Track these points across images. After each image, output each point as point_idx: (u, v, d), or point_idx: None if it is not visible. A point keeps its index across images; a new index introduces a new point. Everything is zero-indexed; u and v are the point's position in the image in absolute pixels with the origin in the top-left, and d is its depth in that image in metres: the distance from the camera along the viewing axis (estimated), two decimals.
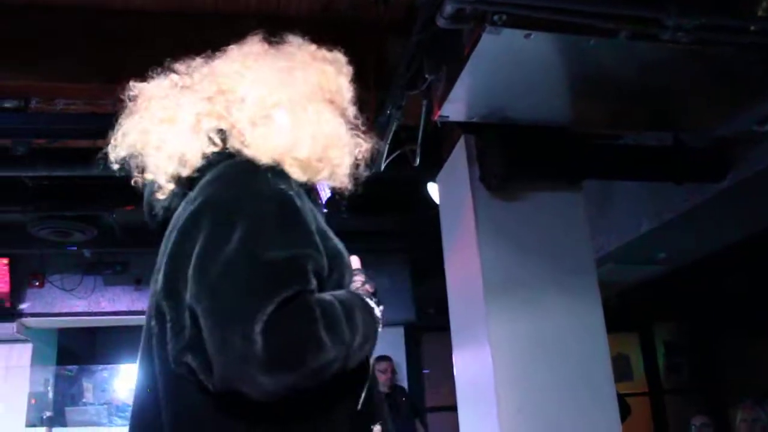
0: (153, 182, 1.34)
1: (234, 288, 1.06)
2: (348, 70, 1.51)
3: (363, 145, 1.46)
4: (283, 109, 1.27)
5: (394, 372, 6.32)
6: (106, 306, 6.61)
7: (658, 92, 2.81)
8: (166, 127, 1.31)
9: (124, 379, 7.85)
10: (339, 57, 1.50)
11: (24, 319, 6.51)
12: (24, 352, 6.78)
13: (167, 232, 1.28)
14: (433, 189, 4.02)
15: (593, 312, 3.22)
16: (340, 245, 1.35)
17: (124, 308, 6.62)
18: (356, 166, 1.44)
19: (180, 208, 1.26)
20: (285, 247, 1.10)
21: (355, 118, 1.46)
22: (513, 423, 2.95)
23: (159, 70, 1.43)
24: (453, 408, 6.60)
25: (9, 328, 6.44)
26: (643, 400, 7.27)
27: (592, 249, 3.38)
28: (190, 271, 1.12)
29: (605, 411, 3.08)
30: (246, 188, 1.19)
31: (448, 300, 3.59)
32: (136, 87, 1.43)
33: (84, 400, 7.18)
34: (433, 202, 4.04)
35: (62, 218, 5.32)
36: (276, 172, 1.22)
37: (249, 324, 1.01)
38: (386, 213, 5.28)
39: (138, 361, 1.28)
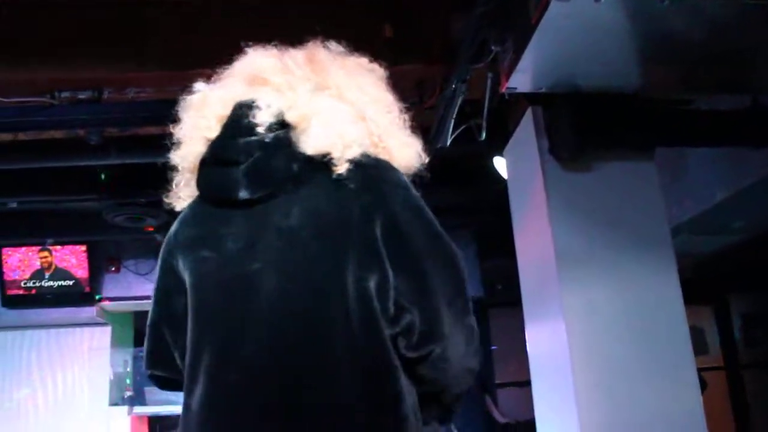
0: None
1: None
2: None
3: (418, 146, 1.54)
4: (396, 127, 1.46)
5: None
6: None
7: (733, 53, 2.70)
8: (338, 116, 1.38)
9: None
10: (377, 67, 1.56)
11: (103, 304, 6.76)
12: (104, 334, 7.06)
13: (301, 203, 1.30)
14: (499, 163, 3.97)
15: (670, 284, 3.13)
16: None
17: None
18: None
19: (330, 185, 1.30)
20: None
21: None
22: (590, 398, 2.91)
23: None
24: (522, 384, 6.62)
25: (89, 312, 6.71)
26: (719, 375, 7.08)
27: (666, 219, 3.28)
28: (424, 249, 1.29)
29: (685, 385, 3.00)
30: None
31: (519, 275, 3.55)
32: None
33: None
34: (500, 176, 4.00)
35: (135, 204, 5.48)
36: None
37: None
38: (452, 188, 5.24)
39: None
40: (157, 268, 1.50)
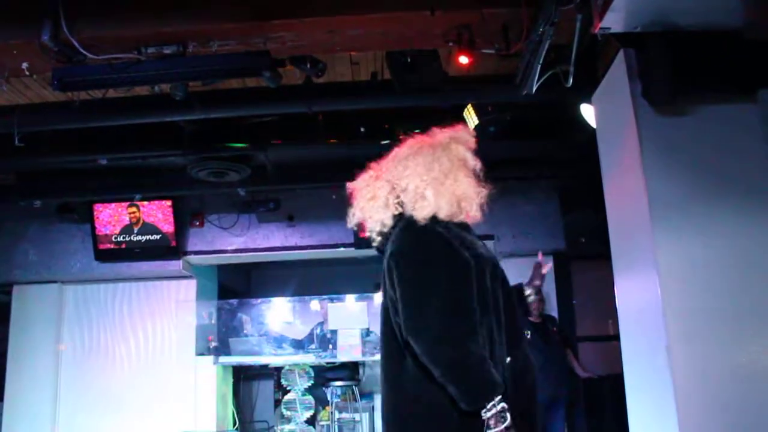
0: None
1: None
2: (470, 140, 2.17)
3: (484, 192, 2.09)
4: (429, 188, 2.04)
5: (542, 301, 6.23)
6: (261, 242, 6.93)
7: None
8: (371, 203, 2.13)
9: (278, 312, 8.28)
10: (463, 134, 2.18)
11: (188, 257, 6.97)
12: (189, 287, 7.28)
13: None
14: (587, 110, 3.83)
15: None
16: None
17: (278, 244, 6.91)
18: (482, 205, 2.09)
19: (387, 249, 2.08)
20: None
21: (478, 171, 2.11)
22: (683, 354, 2.82)
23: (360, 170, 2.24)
24: (603, 338, 6.49)
25: (176, 265, 6.93)
26: None
27: None
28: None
29: None
30: (415, 235, 2.03)
31: (609, 226, 3.45)
32: (348, 186, 2.25)
33: (244, 332, 7.64)
34: (587, 124, 3.86)
35: (218, 159, 5.58)
36: (431, 221, 2.02)
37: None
38: (536, 138, 5.11)
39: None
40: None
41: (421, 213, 2.02)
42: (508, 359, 1.94)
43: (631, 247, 3.17)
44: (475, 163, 2.11)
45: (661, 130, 3.01)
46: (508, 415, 1.79)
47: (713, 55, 2.97)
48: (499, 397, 1.79)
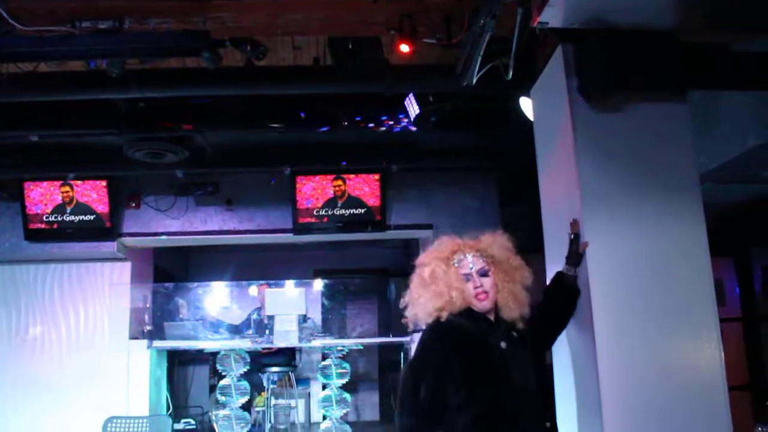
0: None
1: None
2: (451, 251, 2.66)
3: (470, 287, 2.59)
4: (423, 294, 2.62)
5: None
6: (198, 226, 6.84)
7: None
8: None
9: (215, 297, 8.20)
10: (445, 247, 2.69)
11: (123, 239, 6.82)
12: (124, 270, 7.14)
13: None
14: (526, 103, 3.89)
15: (696, 232, 3.07)
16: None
17: (216, 228, 6.83)
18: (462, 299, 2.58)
19: None
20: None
21: (458, 263, 2.63)
22: (610, 345, 2.88)
23: None
24: None
25: (110, 247, 6.78)
26: (736, 327, 7.05)
27: (696, 165, 3.20)
28: None
29: (708, 335, 2.97)
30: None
31: (542, 218, 3.51)
32: None
33: (180, 316, 7.53)
34: (526, 117, 3.92)
35: (155, 140, 5.46)
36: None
37: None
38: (476, 130, 5.17)
39: None
40: None
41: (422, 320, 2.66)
42: None
43: (563, 239, 3.22)
44: (459, 261, 2.63)
45: (595, 126, 3.07)
46: None
47: (648, 55, 3.03)
48: None
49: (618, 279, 2.96)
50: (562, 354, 3.32)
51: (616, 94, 3.06)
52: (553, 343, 3.09)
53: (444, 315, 2.55)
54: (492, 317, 2.61)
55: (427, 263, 2.65)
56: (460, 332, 2.54)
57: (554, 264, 3.40)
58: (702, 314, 2.99)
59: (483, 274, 2.59)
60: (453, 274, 2.58)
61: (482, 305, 2.56)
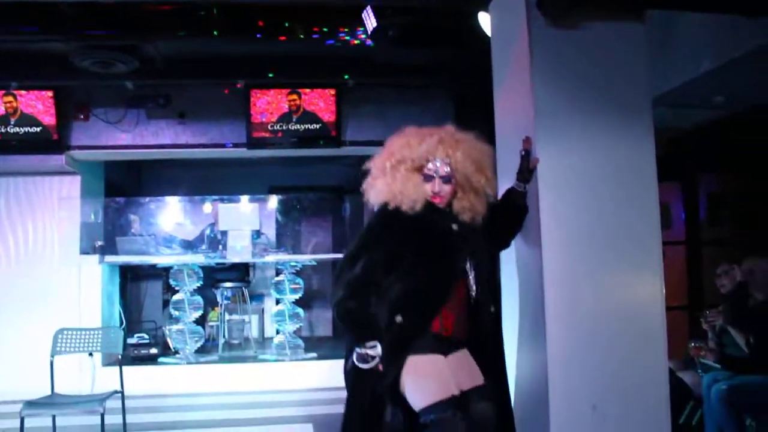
0: None
1: None
2: (426, 154, 2.72)
3: (427, 187, 2.72)
4: (380, 180, 2.75)
5: None
6: (150, 139, 6.67)
7: None
8: None
9: (168, 212, 8.11)
10: (421, 147, 2.72)
11: (72, 152, 6.64)
12: (73, 184, 6.97)
13: None
14: (484, 18, 3.83)
15: (645, 152, 3.13)
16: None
17: (168, 141, 6.67)
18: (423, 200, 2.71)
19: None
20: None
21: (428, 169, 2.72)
22: (556, 256, 2.97)
23: None
24: None
25: (58, 159, 6.59)
26: (680, 250, 7.28)
27: (650, 87, 3.22)
28: None
29: (650, 253, 3.07)
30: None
31: (496, 135, 3.51)
32: None
33: (132, 231, 7.45)
34: (484, 33, 3.86)
35: (104, 48, 5.25)
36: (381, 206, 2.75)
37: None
38: (434, 47, 5.08)
39: None
40: None
41: (374, 198, 2.78)
42: None
43: (515, 159, 3.24)
44: (428, 162, 2.72)
45: (551, 43, 3.05)
46: None
47: None
48: None
49: (566, 196, 3.02)
50: (509, 268, 3.39)
51: (574, 12, 3.03)
52: (498, 252, 3.28)
53: (392, 204, 2.69)
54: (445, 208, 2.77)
55: (396, 155, 2.75)
56: (408, 215, 2.68)
57: (506, 182, 3.44)
58: (646, 235, 3.08)
59: (446, 180, 2.71)
60: (414, 179, 2.71)
61: (436, 204, 2.73)
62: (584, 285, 3.00)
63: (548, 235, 2.98)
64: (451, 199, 2.75)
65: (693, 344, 4.31)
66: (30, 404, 3.87)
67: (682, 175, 7.54)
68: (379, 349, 2.51)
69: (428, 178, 2.71)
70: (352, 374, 2.61)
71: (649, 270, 3.06)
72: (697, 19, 3.97)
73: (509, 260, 3.38)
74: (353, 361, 2.55)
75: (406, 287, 2.63)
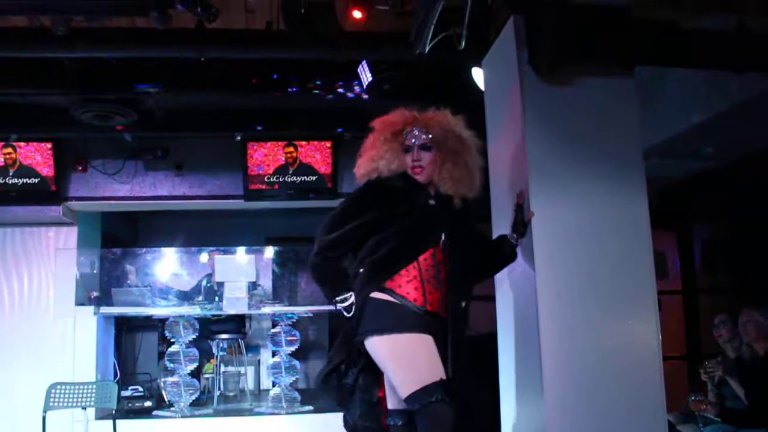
0: None
1: None
2: (403, 123, 2.86)
3: (407, 158, 2.81)
4: (364, 155, 2.89)
5: None
6: (147, 191, 6.72)
7: None
8: None
9: (165, 263, 8.10)
10: (398, 119, 2.89)
11: (69, 203, 6.67)
12: (70, 235, 6.98)
13: None
14: (478, 74, 3.91)
15: (639, 204, 3.16)
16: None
17: (165, 193, 6.72)
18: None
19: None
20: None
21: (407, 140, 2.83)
22: (552, 308, 2.96)
23: None
24: (487, 298, 6.72)
25: (56, 211, 6.61)
26: (677, 299, 7.27)
27: (641, 139, 3.27)
28: None
29: (645, 305, 3.07)
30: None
31: (491, 188, 3.55)
32: None
33: (128, 282, 7.43)
34: (478, 88, 3.94)
35: (103, 101, 5.33)
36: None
37: None
38: (429, 99, 5.15)
39: None
40: None
41: (357, 174, 2.90)
42: None
43: (509, 211, 3.27)
44: (406, 135, 2.83)
45: (543, 98, 3.11)
46: None
47: (597, 29, 3.08)
48: None
49: (561, 247, 3.03)
50: (505, 316, 3.39)
51: (565, 68, 3.10)
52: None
53: (374, 176, 2.81)
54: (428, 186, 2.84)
55: (378, 129, 2.89)
56: (390, 187, 2.79)
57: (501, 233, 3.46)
58: (641, 286, 3.08)
59: (424, 148, 2.78)
60: (393, 146, 2.81)
61: (417, 178, 2.80)
62: (580, 336, 2.99)
63: (544, 285, 2.98)
64: (434, 173, 2.80)
65: (693, 398, 4.28)
66: None
67: (678, 224, 7.58)
68: (353, 299, 2.67)
69: (408, 149, 2.79)
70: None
71: (644, 320, 3.05)
72: (686, 73, 4.06)
73: (505, 308, 3.39)
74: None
75: (380, 242, 2.70)
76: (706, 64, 3.57)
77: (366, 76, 4.55)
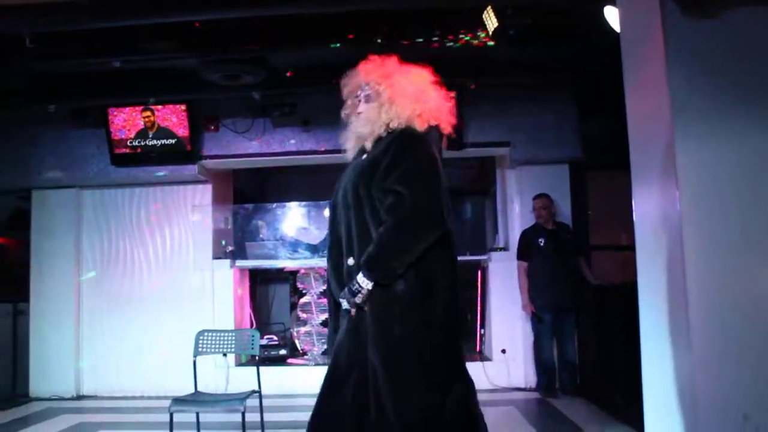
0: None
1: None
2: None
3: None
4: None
5: (549, 209, 6.26)
6: (276, 147, 6.91)
7: None
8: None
9: (293, 217, 8.34)
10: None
11: (203, 162, 6.98)
12: (205, 192, 7.32)
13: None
14: (611, 13, 3.69)
15: None
16: None
17: (293, 149, 6.89)
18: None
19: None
20: None
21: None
22: (700, 254, 2.80)
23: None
24: (618, 247, 6.51)
25: (191, 170, 6.95)
26: None
27: None
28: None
29: None
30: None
31: (629, 136, 3.37)
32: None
33: (260, 237, 7.73)
34: (610, 29, 3.73)
35: (231, 61, 5.48)
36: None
37: None
38: (556, 43, 4.94)
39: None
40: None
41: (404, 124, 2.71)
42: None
43: (651, 159, 3.11)
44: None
45: (687, 35, 2.88)
46: None
47: None
48: None
49: (708, 192, 2.84)
50: (647, 274, 3.25)
51: (711, 1, 2.86)
52: None
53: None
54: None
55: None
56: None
57: (640, 182, 3.30)
58: None
59: (366, 99, 2.79)
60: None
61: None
62: (730, 285, 2.82)
63: (690, 231, 2.82)
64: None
65: None
66: (177, 401, 4.09)
67: None
68: None
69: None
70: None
71: None
72: None
73: (647, 257, 3.24)
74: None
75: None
76: None
77: (491, 22, 4.40)
